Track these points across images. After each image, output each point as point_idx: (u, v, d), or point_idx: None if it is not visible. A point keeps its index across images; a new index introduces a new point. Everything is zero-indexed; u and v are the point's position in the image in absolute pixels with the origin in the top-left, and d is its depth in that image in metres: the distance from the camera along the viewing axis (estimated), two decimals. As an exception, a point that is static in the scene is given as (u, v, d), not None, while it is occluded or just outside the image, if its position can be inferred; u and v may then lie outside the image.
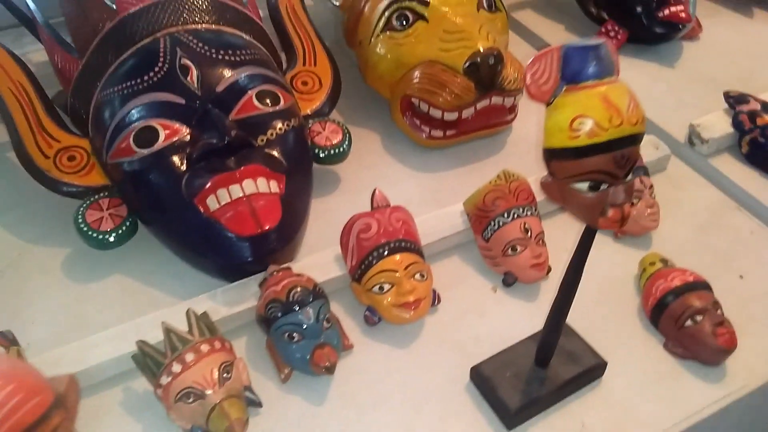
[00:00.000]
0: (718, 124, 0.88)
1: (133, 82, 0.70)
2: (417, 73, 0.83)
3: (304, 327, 0.60)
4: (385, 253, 0.64)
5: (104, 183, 0.72)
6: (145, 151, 0.67)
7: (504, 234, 0.69)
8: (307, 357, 0.59)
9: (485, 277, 0.72)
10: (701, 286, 0.65)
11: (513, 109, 0.88)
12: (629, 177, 0.44)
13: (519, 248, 0.69)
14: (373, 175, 0.85)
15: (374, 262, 0.64)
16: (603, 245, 0.76)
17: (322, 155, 0.78)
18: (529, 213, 0.70)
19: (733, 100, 0.88)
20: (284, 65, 0.86)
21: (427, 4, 0.83)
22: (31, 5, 0.84)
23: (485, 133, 0.89)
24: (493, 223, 0.70)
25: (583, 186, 0.43)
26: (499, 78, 0.80)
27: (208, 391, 0.55)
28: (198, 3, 0.77)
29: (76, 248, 0.74)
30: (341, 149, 0.79)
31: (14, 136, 0.73)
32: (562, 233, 0.74)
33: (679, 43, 1.10)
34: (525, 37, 1.13)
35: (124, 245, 0.70)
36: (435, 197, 0.82)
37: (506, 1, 1.16)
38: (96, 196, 0.71)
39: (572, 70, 0.42)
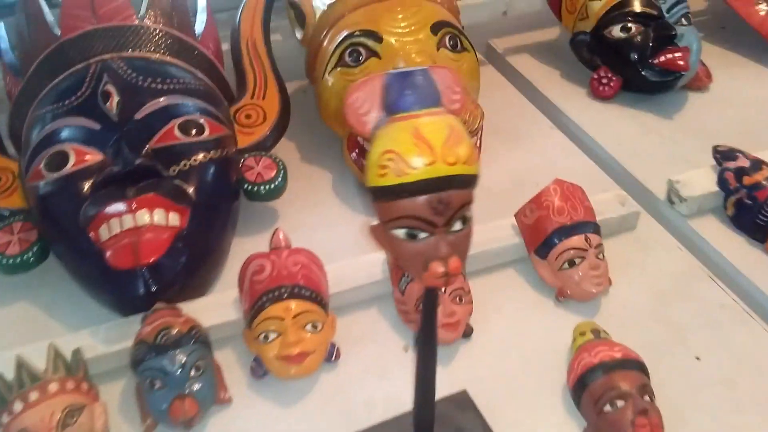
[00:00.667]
0: (701, 182, 0.78)
1: (55, 106, 0.69)
2: (364, 111, 0.79)
3: (166, 373, 0.55)
4: (276, 298, 0.59)
5: (23, 206, 0.71)
6: (53, 175, 0.66)
7: (417, 287, 0.62)
8: (165, 408, 0.54)
9: (399, 335, 0.65)
10: (631, 365, 0.55)
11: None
12: (457, 226, 0.37)
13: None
14: (315, 215, 0.80)
15: (264, 307, 0.59)
16: (542, 308, 0.67)
17: (250, 189, 0.74)
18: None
19: (721, 155, 0.79)
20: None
21: (380, 41, 0.79)
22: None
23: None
24: (407, 274, 0.63)
25: (401, 233, 0.37)
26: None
27: (45, 440, 0.50)
28: (138, 31, 0.76)
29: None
30: (271, 186, 0.75)
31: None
32: (493, 291, 0.66)
33: (683, 93, 1.00)
34: (517, 83, 1.07)
35: (34, 271, 0.68)
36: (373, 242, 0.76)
37: (501, 46, 1.14)
38: (10, 220, 0.70)
39: (390, 99, 0.36)
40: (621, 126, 0.95)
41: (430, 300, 0.42)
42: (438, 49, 0.80)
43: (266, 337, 0.58)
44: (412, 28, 0.80)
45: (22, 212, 0.71)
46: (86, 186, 0.65)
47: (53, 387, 0.53)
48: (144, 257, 0.61)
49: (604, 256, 0.67)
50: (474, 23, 1.00)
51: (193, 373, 0.55)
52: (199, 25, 0.85)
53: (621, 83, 0.98)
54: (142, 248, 0.61)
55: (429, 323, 0.43)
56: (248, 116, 0.80)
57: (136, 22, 0.77)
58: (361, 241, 0.76)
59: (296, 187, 0.79)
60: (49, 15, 0.79)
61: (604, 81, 0.99)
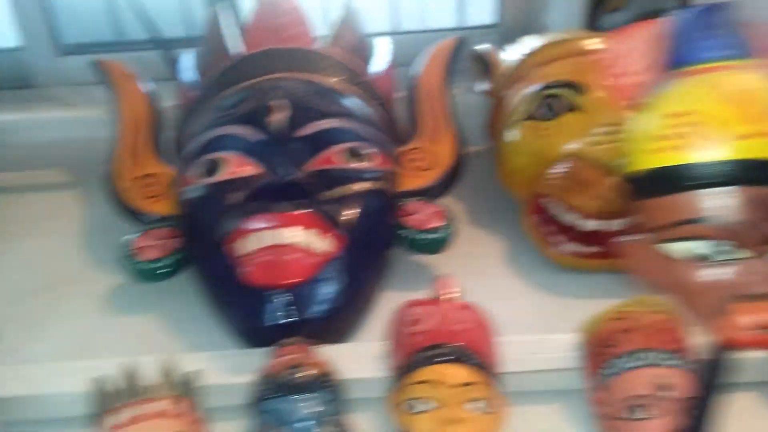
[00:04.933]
0: None
1: (220, 115, 0.67)
2: (553, 169, 0.67)
3: (289, 422, 0.42)
4: (436, 358, 0.46)
5: (168, 214, 0.66)
6: (203, 181, 0.61)
7: (624, 384, 0.46)
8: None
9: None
10: None
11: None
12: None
13: (642, 412, 0.45)
14: (480, 284, 0.66)
15: (419, 366, 0.46)
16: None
17: (409, 237, 0.64)
18: (668, 362, 0.46)
19: None
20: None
21: (583, 92, 0.68)
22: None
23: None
24: (611, 365, 0.47)
25: (683, 250, 0.23)
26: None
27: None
28: (317, 57, 0.73)
29: (123, 281, 0.67)
30: (435, 236, 0.64)
31: (111, 154, 0.72)
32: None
33: None
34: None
35: (168, 284, 0.62)
36: (549, 324, 0.61)
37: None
38: (153, 225, 0.65)
39: (681, 46, 0.24)
40: None
41: (714, 372, 0.27)
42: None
43: (412, 406, 0.45)
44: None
45: (169, 219, 0.65)
46: (236, 196, 0.59)
47: (164, 405, 0.44)
48: (289, 276, 0.51)
49: None
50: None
51: (316, 430, 0.43)
52: (376, 67, 0.81)
53: None
54: (288, 267, 0.51)
55: (700, 411, 0.27)
56: (417, 159, 0.72)
57: (315, 48, 0.75)
58: (537, 321, 0.62)
59: (459, 250, 0.67)
60: (228, 36, 0.78)
61: None
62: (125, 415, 0.44)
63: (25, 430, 0.50)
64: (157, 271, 0.61)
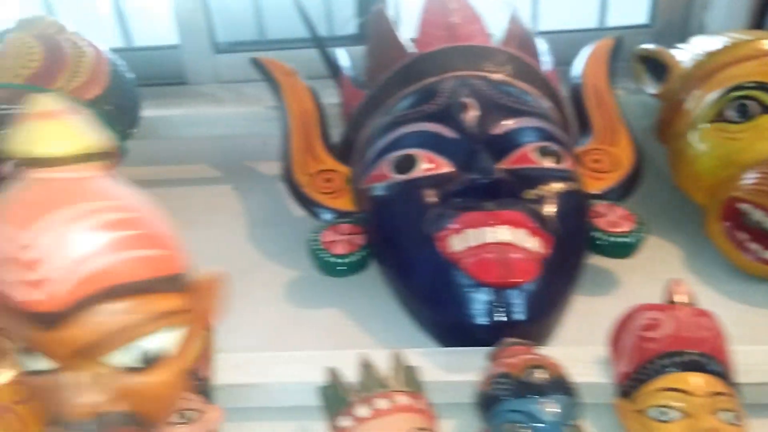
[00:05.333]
0: None
1: (408, 112, 0.66)
2: (752, 174, 0.64)
3: (540, 424, 0.41)
4: (684, 365, 0.44)
5: (351, 210, 0.66)
6: (400, 177, 0.61)
7: None
8: (530, 468, 0.41)
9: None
10: None
11: None
12: None
13: None
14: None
15: (659, 374, 0.44)
16: None
17: (599, 241, 0.62)
18: None
19: None
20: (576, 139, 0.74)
21: (781, 94, 0.65)
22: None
23: None
24: None
25: None
26: None
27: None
28: (496, 54, 0.72)
29: (304, 273, 0.69)
30: (626, 240, 0.62)
31: (285, 150, 0.73)
32: None
33: None
34: None
35: (348, 279, 0.62)
36: (751, 333, 0.59)
37: None
38: (338, 220, 0.65)
39: None
40: None
41: None
42: None
43: (664, 413, 0.43)
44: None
45: (349, 215, 0.66)
46: (433, 193, 0.59)
47: (403, 400, 0.43)
48: (516, 275, 0.50)
49: None
50: None
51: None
52: (543, 66, 0.79)
53: None
54: (512, 265, 0.50)
55: None
56: (596, 161, 0.70)
57: (493, 45, 0.74)
58: (734, 330, 0.59)
59: (639, 256, 0.65)
60: (400, 34, 0.78)
61: None
62: (363, 410, 0.43)
63: (251, 417, 0.51)
64: (346, 267, 0.61)
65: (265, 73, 0.83)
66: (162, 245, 0.31)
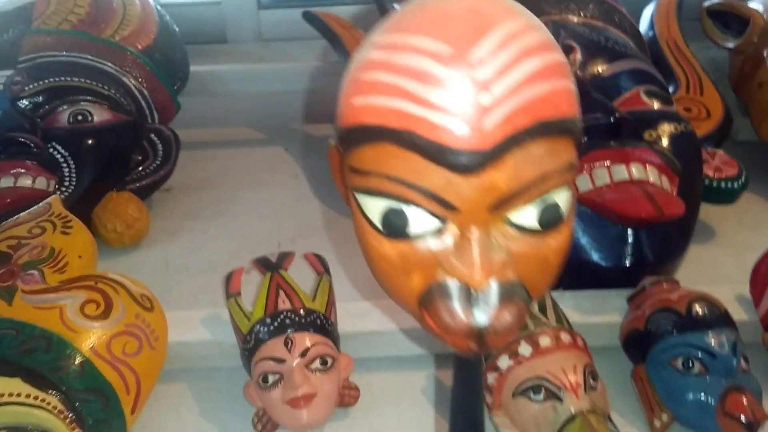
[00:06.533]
0: None
1: None
2: None
3: (715, 356, 0.39)
4: None
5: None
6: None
7: None
8: (711, 401, 0.38)
9: None
10: None
11: None
12: None
13: None
14: (761, 242, 0.63)
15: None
16: None
17: (707, 184, 0.60)
18: None
19: None
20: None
21: None
22: None
23: None
24: None
25: None
26: None
27: (568, 394, 0.37)
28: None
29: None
30: (733, 185, 0.60)
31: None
32: None
33: None
34: None
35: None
36: None
37: None
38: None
39: None
40: None
41: None
42: None
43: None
44: None
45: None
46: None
47: (565, 337, 0.40)
48: (668, 208, 0.47)
49: None
50: None
51: (743, 365, 0.40)
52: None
53: None
54: (658, 199, 0.48)
55: None
56: (688, 109, 0.68)
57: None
58: None
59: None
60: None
61: None
62: (525, 348, 0.40)
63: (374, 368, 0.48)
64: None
65: (321, 27, 0.79)
66: (571, 79, 0.24)
